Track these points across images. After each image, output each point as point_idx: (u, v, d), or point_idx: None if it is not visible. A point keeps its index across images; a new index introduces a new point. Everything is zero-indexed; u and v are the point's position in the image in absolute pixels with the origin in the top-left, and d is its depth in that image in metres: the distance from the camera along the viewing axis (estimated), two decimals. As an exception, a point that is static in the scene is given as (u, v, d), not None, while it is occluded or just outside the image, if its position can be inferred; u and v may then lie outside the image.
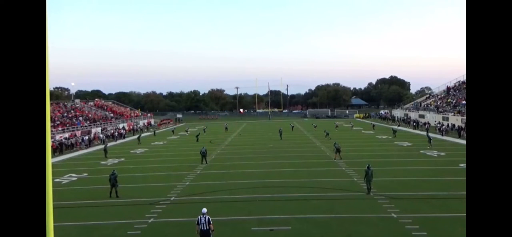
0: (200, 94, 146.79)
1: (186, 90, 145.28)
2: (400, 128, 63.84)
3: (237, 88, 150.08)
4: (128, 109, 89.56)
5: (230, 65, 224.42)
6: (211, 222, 12.65)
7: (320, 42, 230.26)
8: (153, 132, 60.04)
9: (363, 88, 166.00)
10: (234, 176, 26.06)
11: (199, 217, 12.74)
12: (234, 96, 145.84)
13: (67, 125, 57.33)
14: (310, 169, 27.96)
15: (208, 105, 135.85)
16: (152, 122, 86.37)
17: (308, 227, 15.40)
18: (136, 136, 55.24)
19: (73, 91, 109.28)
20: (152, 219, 17.03)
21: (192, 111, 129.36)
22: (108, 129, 63.27)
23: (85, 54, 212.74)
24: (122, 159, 36.26)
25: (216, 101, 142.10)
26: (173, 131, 58.15)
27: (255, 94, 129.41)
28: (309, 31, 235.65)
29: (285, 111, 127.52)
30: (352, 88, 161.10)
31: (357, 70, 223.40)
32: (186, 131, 61.38)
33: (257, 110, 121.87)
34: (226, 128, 65.59)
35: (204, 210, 13.04)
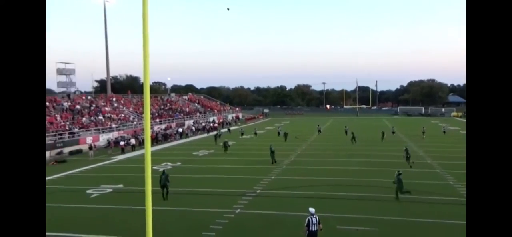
0: (287, 89, 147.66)
1: (273, 85, 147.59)
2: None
3: (323, 83, 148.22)
4: (218, 103, 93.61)
5: (317, 60, 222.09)
6: (320, 222, 12.20)
7: (413, 35, 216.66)
8: (240, 131, 60.91)
9: (462, 85, 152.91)
10: (319, 172, 25.92)
11: (309, 217, 12.03)
12: (321, 92, 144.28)
13: (164, 117, 61.84)
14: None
15: (294, 101, 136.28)
16: (240, 116, 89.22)
17: (397, 231, 14.76)
18: (226, 129, 57.52)
19: (169, 85, 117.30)
20: (239, 210, 17.71)
21: (279, 106, 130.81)
22: (200, 121, 66.86)
23: (180, 52, 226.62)
24: (212, 150, 38.12)
25: (302, 96, 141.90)
26: (242, 133, 51.88)
27: (342, 90, 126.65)
28: (407, 21, 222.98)
29: (374, 107, 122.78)
30: (449, 85, 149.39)
31: (456, 65, 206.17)
32: (255, 133, 52.44)
33: (344, 107, 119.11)
34: (283, 134, 48.48)
35: (312, 210, 12.26)
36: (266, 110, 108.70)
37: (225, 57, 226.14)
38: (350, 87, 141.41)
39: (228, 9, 36.13)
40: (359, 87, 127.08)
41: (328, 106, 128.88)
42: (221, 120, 72.25)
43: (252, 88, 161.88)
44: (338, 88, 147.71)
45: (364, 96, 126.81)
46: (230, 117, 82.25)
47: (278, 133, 50.26)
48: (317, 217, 12.10)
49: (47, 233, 15.23)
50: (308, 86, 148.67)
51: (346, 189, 21.03)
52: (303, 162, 30.24)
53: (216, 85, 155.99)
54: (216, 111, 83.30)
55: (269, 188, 21.75)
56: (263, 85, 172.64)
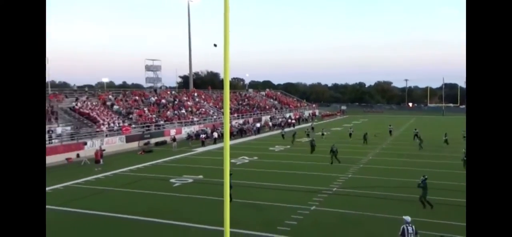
0: (366, 86, 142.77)
1: (351, 81, 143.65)
2: None
3: (406, 80, 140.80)
4: (295, 99, 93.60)
5: (398, 55, 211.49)
6: (418, 233, 11.45)
7: None
8: (322, 132, 59.78)
9: None
10: (397, 173, 24.79)
11: (404, 226, 11.31)
12: (403, 89, 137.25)
13: (242, 112, 63.48)
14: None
15: (373, 98, 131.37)
16: (317, 113, 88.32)
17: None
18: (305, 125, 57.14)
19: (247, 81, 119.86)
20: (314, 207, 17.66)
21: (357, 103, 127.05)
22: (276, 117, 67.50)
23: (259, 49, 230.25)
24: (288, 146, 38.33)
25: (382, 93, 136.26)
26: (293, 135, 42.75)
27: (426, 87, 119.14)
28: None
29: (463, 106, 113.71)
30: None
31: None
32: (322, 134, 45.20)
33: (429, 105, 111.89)
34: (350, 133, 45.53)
35: (408, 218, 11.54)
36: (343, 107, 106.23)
37: (303, 53, 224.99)
38: (436, 84, 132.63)
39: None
40: (446, 84, 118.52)
41: (410, 104, 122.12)
42: (297, 116, 72.17)
43: (329, 85, 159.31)
44: (422, 85, 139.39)
45: (451, 94, 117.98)
46: (306, 113, 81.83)
47: (350, 134, 44.57)
48: (413, 227, 11.25)
49: (135, 217, 16.63)
50: (389, 83, 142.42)
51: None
52: (381, 162, 29.13)
53: (293, 81, 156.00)
54: (292, 107, 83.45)
55: (345, 187, 21.35)
56: (341, 81, 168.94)
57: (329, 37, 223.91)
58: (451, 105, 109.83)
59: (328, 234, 14.40)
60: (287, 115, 71.98)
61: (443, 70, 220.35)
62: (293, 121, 64.05)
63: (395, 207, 17.42)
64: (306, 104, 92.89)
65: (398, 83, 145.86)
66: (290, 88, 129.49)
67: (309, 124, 61.13)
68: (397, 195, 19.40)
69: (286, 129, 51.15)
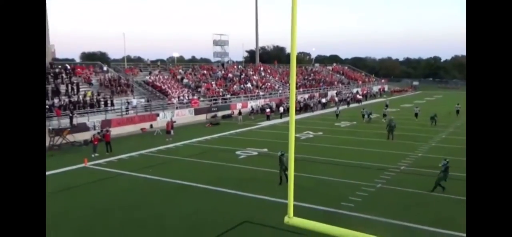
0: (441, 60, 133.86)
1: (425, 56, 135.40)
2: None
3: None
4: (363, 74, 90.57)
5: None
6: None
7: None
8: (386, 104, 57.26)
9: None
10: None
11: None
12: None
13: (307, 87, 62.90)
14: None
15: (449, 73, 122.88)
16: (386, 88, 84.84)
17: None
18: (373, 101, 55.29)
19: (313, 55, 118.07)
20: (380, 185, 17.25)
21: (431, 79, 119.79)
22: (343, 93, 66.00)
23: (326, 22, 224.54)
24: (354, 122, 37.46)
25: (459, 68, 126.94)
26: (386, 105, 41.01)
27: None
28: None
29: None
30: None
31: None
32: (384, 114, 39.48)
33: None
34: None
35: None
36: (415, 83, 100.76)
37: (372, 26, 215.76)
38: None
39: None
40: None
41: None
42: (365, 92, 69.95)
43: (401, 59, 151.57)
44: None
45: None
46: (375, 89, 78.92)
47: (416, 114, 38.89)
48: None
49: (201, 185, 17.44)
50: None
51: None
52: (453, 141, 27.45)
53: (362, 55, 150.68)
54: (360, 82, 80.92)
55: (414, 166, 20.52)
56: (413, 56, 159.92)
57: (400, 7, 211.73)
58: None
59: (393, 213, 14.00)
60: (354, 90, 70.02)
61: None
62: (361, 96, 62.19)
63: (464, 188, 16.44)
64: (375, 79, 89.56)
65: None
66: (358, 63, 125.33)
67: (384, 99, 58.93)
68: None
69: (351, 106, 49.90)
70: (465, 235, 12.29)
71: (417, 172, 19.41)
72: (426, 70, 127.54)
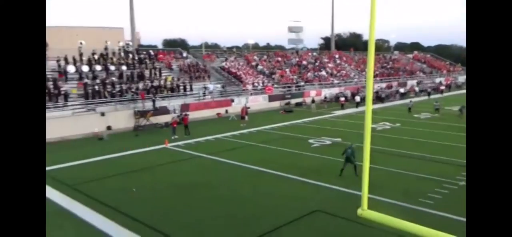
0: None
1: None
2: None
3: None
4: (447, 63, 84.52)
5: None
6: None
7: None
8: None
9: None
10: None
11: None
12: None
13: (385, 75, 60.31)
14: None
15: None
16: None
17: None
18: (458, 92, 51.59)
19: (392, 43, 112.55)
20: (462, 182, 16.13)
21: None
22: (424, 82, 62.29)
23: (406, 8, 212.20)
24: (436, 114, 35.26)
25: None
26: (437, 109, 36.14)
27: None
28: None
29: None
30: None
31: None
32: (437, 109, 36.30)
33: None
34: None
35: None
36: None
37: (457, 12, 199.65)
38: None
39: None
40: None
41: None
42: (449, 82, 65.29)
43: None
44: None
45: None
46: (460, 79, 73.29)
47: (437, 109, 36.07)
48: None
49: (275, 172, 17.69)
50: None
51: None
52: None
53: (447, 42, 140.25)
54: (444, 71, 75.66)
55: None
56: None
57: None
58: None
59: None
60: (437, 80, 65.69)
61: None
62: (443, 87, 58.17)
63: None
64: (461, 69, 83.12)
65: None
66: (442, 51, 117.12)
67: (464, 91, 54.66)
68: None
69: (432, 97, 46.66)
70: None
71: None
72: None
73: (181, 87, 36.64)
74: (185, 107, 33.23)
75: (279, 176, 17.29)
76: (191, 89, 37.36)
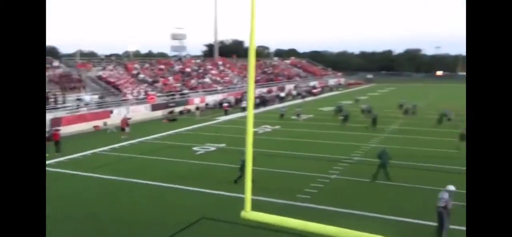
0: (394, 53, 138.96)
1: (379, 49, 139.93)
2: None
3: (437, 47, 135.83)
4: (320, 68, 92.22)
5: (431, 20, 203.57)
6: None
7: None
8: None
9: None
10: (422, 143, 24.33)
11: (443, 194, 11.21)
12: (433, 56, 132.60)
13: (265, 81, 63.18)
14: None
15: (402, 66, 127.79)
16: (342, 82, 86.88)
17: None
18: (329, 94, 56.21)
19: (272, 49, 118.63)
20: (334, 176, 17.62)
21: (384, 72, 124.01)
22: (301, 86, 66.91)
23: (285, 14, 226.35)
24: (311, 115, 38.07)
25: (411, 61, 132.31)
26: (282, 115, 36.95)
27: (458, 55, 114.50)
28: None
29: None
30: None
31: None
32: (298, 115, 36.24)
33: (459, 73, 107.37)
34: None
35: (452, 187, 11.38)
36: (369, 76, 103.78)
37: (329, 19, 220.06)
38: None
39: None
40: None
41: (439, 73, 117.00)
42: (322, 85, 71.29)
43: (356, 52, 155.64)
44: (453, 52, 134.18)
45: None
46: (331, 82, 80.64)
47: (363, 111, 36.29)
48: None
49: (158, 184, 17.07)
50: (418, 50, 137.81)
51: (455, 162, 19.37)
52: (408, 131, 28.59)
53: (320, 49, 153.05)
54: (318, 75, 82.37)
55: (367, 156, 21.13)
56: (368, 49, 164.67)
57: (356, 2, 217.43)
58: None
59: (348, 202, 14.35)
60: (311, 84, 71.17)
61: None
62: (316, 90, 63.27)
63: (417, 177, 17.19)
64: (331, 73, 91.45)
65: (429, 51, 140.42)
66: (316, 57, 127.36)
67: (338, 93, 60.11)
68: (421, 165, 19.09)
69: (307, 99, 50.53)
70: (415, 221, 12.85)
71: (371, 162, 19.94)
72: (382, 63, 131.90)
73: (51, 100, 33.25)
74: (56, 122, 30.17)
75: (162, 187, 16.73)
76: (64, 102, 34.15)
